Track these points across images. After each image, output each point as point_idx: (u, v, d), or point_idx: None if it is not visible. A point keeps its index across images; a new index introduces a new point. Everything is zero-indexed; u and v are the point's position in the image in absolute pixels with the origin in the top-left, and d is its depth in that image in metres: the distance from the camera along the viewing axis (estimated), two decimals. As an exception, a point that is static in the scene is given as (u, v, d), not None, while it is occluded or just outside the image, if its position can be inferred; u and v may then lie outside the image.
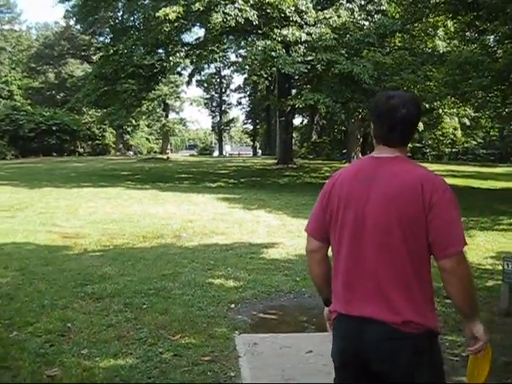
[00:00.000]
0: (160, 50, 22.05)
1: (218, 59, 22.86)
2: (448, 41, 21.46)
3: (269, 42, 17.69)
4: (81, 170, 25.82)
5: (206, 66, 23.82)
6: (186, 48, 22.05)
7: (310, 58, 18.10)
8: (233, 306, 5.72)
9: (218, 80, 53.73)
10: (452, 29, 21.00)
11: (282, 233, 10.36)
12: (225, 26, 17.58)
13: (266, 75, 44.09)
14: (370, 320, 2.08)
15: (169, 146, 47.51)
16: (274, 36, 18.21)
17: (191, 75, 25.81)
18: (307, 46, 18.12)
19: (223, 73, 53.13)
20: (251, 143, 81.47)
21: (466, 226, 11.66)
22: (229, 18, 17.03)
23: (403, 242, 2.04)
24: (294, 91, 25.13)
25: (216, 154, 58.87)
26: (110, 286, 6.19)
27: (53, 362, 4.09)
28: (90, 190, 16.54)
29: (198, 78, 41.90)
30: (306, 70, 17.82)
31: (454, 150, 53.12)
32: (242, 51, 28.99)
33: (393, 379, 2.08)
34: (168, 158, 36.82)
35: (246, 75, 46.04)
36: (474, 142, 46.85)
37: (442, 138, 46.08)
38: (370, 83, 16.95)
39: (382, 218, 2.07)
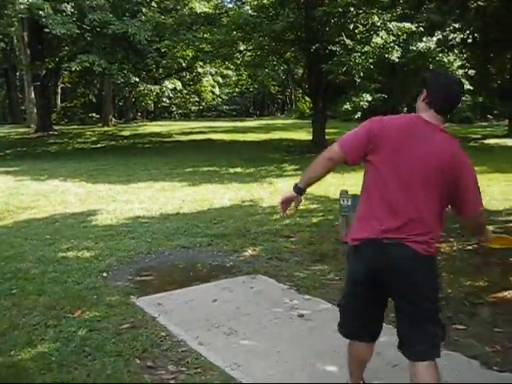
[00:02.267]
0: None
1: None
2: (203, 3, 22.36)
3: (33, 0, 16.29)
4: None
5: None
6: None
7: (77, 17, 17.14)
8: (105, 274, 5.59)
9: None
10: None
11: (94, 199, 10.09)
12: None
13: (1, 36, 40.26)
14: None
15: None
16: (38, -6, 16.86)
17: None
18: (74, 5, 17.14)
19: None
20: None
21: (260, 174, 12.79)
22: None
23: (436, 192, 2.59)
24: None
25: None
26: (-46, 277, 5.50)
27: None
28: None
29: None
30: (78, 31, 16.91)
31: (199, 107, 55.65)
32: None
33: None
34: None
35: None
36: (220, 99, 49.55)
37: (188, 97, 47.72)
38: (145, 44, 16.95)
39: (425, 171, 2.56)
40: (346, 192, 6.70)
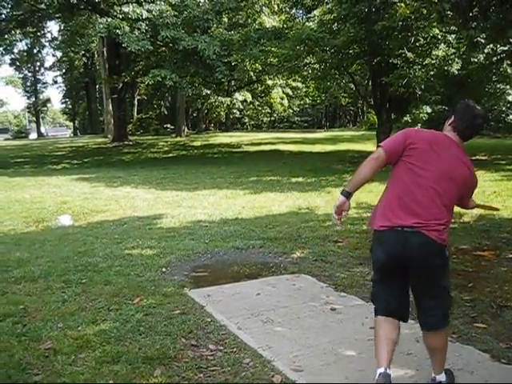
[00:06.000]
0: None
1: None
2: (273, 17, 23.07)
3: (110, 20, 17.54)
4: None
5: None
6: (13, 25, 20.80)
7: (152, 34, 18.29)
8: (164, 269, 6.21)
9: (31, 58, 50.45)
10: (276, 6, 22.76)
11: (161, 205, 10.84)
12: (63, 2, 17.05)
13: (83, 52, 42.69)
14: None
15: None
16: (115, 13, 18.10)
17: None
18: (148, 24, 18.29)
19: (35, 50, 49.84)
20: (67, 123, 78.02)
21: (320, 184, 13.19)
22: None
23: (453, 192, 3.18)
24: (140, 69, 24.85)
25: (34, 136, 55.42)
26: (35, 268, 6.23)
27: (38, 338, 4.22)
28: None
29: (12, 56, 39.25)
30: (152, 47, 18.05)
31: (271, 118, 56.56)
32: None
33: None
34: (-10, 143, 34.41)
35: (61, 53, 44.14)
36: (291, 111, 50.18)
37: (260, 108, 48.67)
38: (214, 58, 17.82)
39: (451, 173, 3.14)
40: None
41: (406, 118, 16.51)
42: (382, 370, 3.06)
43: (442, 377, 3.24)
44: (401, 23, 13.36)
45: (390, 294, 3.23)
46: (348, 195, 3.29)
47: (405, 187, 3.15)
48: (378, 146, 3.30)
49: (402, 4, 12.66)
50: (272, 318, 4.59)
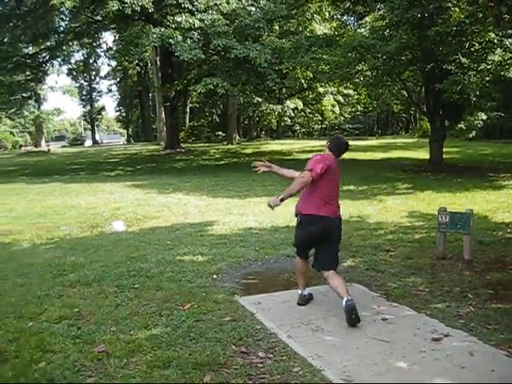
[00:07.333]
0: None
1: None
2: (324, 24, 22.99)
3: (163, 29, 17.93)
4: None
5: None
6: (71, 36, 21.58)
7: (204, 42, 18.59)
8: (215, 276, 6.26)
9: (87, 68, 51.98)
10: (327, 14, 22.68)
11: (213, 211, 10.94)
12: (118, 14, 17.57)
13: (137, 61, 43.57)
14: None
15: (43, 139, 45.39)
16: (168, 23, 18.48)
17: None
18: (201, 32, 18.57)
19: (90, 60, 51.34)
20: (120, 131, 79.95)
21: (372, 192, 13.03)
22: (125, 6, 17.03)
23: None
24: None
25: (89, 143, 57.05)
26: (89, 272, 6.41)
27: (92, 341, 4.34)
28: (-13, 189, 15.88)
29: (69, 66, 40.78)
30: (204, 56, 18.33)
31: (322, 126, 56.25)
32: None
33: None
34: (49, 150, 35.61)
35: (115, 62, 45.21)
36: (342, 118, 49.79)
37: (311, 115, 48.47)
38: (265, 66, 17.92)
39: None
40: (445, 209, 6.87)
41: (460, 125, 16.12)
42: (299, 291, 5.28)
43: (346, 300, 4.55)
44: (455, 28, 13.08)
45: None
46: (281, 201, 5.11)
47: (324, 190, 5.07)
48: (309, 170, 4.94)
49: (457, 8, 12.43)
50: (322, 326, 4.56)
